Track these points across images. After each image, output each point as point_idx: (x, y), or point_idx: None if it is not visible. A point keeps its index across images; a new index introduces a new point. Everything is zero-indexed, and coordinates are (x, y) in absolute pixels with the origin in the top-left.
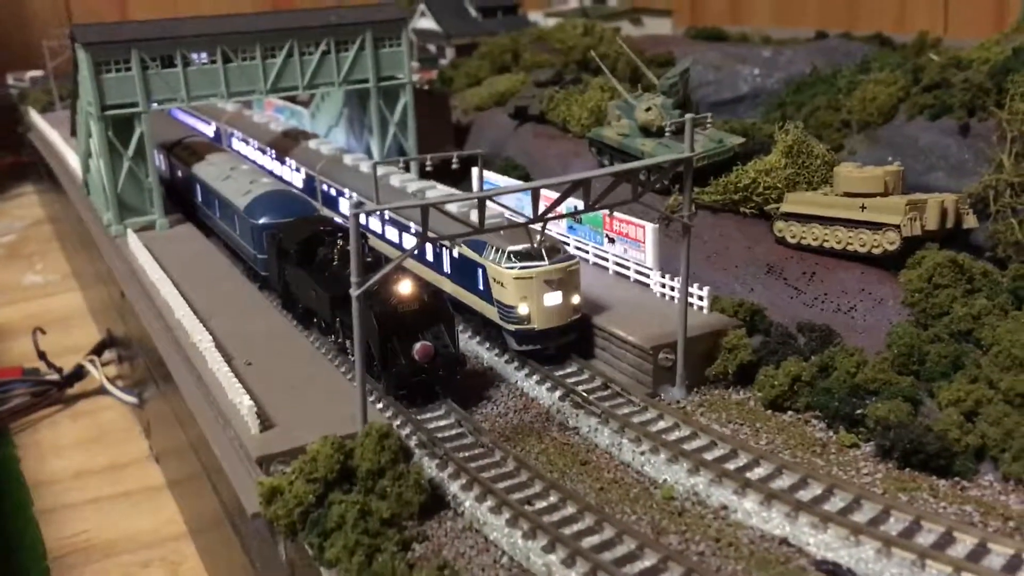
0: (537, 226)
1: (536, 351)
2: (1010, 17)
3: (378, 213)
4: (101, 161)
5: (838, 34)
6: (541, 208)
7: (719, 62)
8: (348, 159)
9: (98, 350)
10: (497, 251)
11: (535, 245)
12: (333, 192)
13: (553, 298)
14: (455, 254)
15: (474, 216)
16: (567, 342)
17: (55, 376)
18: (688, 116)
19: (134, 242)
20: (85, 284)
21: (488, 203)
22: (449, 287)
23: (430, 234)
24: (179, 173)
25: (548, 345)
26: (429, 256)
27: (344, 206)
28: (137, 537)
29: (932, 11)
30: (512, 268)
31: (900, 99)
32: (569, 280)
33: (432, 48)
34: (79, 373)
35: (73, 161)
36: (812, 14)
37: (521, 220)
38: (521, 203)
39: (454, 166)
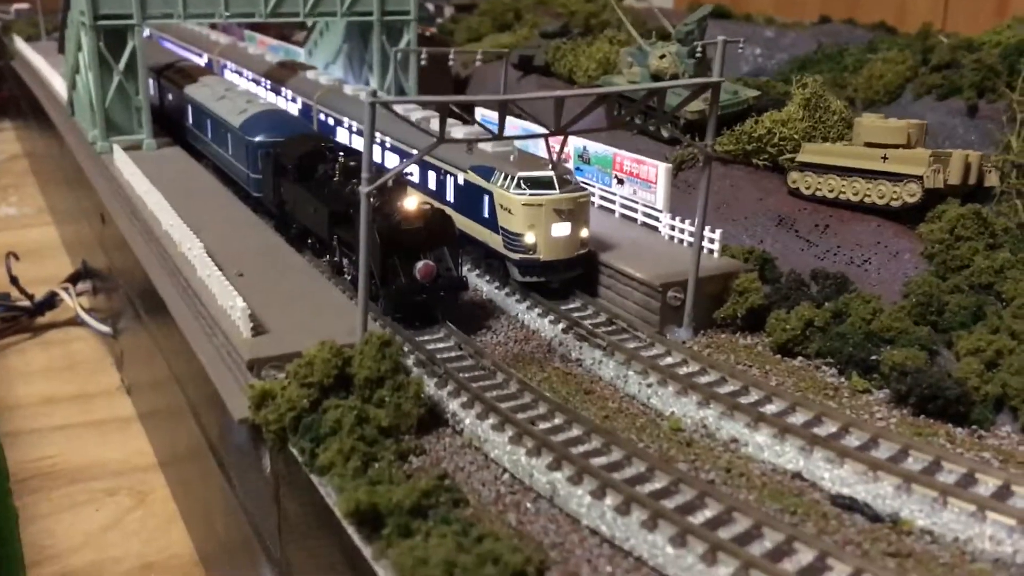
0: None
1: (539, 284)
2: (1011, 10)
3: (380, 141)
4: (90, 75)
5: (842, 21)
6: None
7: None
8: (348, 88)
9: (72, 279)
10: (506, 177)
11: (546, 172)
12: (331, 121)
13: (561, 228)
14: (460, 180)
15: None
16: (572, 277)
17: (26, 303)
18: (720, 39)
19: (120, 157)
20: (60, 218)
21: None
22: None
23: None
24: (169, 96)
25: (552, 278)
26: (432, 184)
27: (343, 135)
28: (105, 465)
29: (933, 4)
30: (521, 194)
31: (908, 79)
32: (579, 211)
33: (430, 7)
34: (51, 302)
35: (58, 85)
36: (813, 3)
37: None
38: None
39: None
